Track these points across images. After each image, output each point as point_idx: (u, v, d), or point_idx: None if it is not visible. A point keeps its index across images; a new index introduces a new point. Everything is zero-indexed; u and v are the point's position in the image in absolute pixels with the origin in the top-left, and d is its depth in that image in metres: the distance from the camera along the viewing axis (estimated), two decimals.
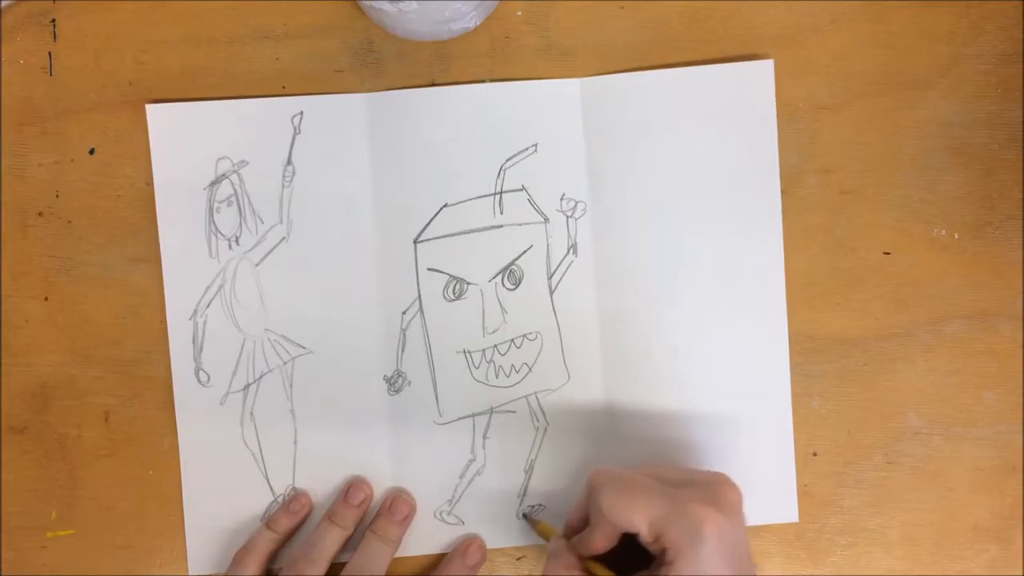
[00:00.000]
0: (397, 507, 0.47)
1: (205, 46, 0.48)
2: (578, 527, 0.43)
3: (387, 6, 0.43)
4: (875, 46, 0.48)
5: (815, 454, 0.49)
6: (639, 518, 0.39)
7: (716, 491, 0.39)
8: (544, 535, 0.46)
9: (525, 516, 0.48)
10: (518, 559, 0.49)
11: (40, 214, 0.48)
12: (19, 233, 0.48)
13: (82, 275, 0.48)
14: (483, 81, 0.48)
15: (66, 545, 0.48)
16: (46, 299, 0.48)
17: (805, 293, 0.48)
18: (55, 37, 0.48)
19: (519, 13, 0.48)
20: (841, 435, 0.49)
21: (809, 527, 0.49)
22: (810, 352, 0.48)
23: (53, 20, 0.48)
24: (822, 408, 0.48)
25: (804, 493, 0.48)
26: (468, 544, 0.48)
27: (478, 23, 0.47)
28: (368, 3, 0.44)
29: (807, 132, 0.48)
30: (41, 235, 0.48)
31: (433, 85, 0.48)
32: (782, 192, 0.48)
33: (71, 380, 0.48)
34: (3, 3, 0.47)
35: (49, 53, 0.48)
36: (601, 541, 0.41)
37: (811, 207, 0.48)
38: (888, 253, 0.48)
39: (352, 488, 0.47)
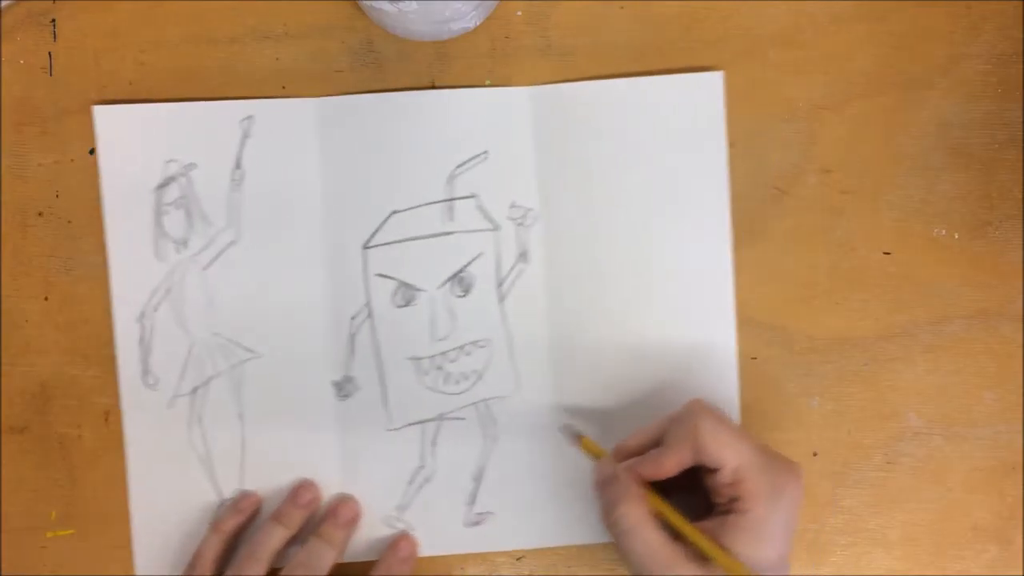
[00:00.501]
0: (341, 511, 0.47)
1: (205, 46, 0.48)
2: (634, 452, 0.43)
3: (387, 6, 0.43)
4: (875, 46, 0.48)
5: (815, 454, 0.49)
6: (730, 455, 0.40)
7: (795, 469, 0.41)
8: (591, 452, 0.45)
9: (566, 429, 0.47)
10: (518, 559, 0.49)
11: (40, 214, 0.48)
12: (19, 233, 0.48)
13: (82, 275, 0.48)
14: (431, 84, 0.48)
15: (66, 545, 0.48)
16: (46, 299, 0.48)
17: (805, 293, 0.48)
18: (55, 37, 0.48)
19: (519, 13, 0.48)
20: (841, 435, 0.49)
21: (809, 527, 0.49)
22: (810, 352, 0.48)
23: (53, 20, 0.48)
24: (822, 408, 0.48)
25: (804, 493, 0.48)
26: (398, 539, 0.48)
27: (478, 23, 0.47)
28: (368, 3, 0.44)
29: (807, 132, 0.48)
30: (41, 235, 0.48)
31: (433, 87, 0.48)
32: (782, 192, 0.48)
33: (71, 380, 0.48)
34: (3, 3, 0.47)
35: (49, 53, 0.48)
36: (672, 465, 0.42)
37: (811, 207, 0.48)
38: (888, 253, 0.48)
39: (299, 489, 0.47)
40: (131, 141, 0.47)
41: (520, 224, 0.48)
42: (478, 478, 0.48)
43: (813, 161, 0.48)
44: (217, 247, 0.48)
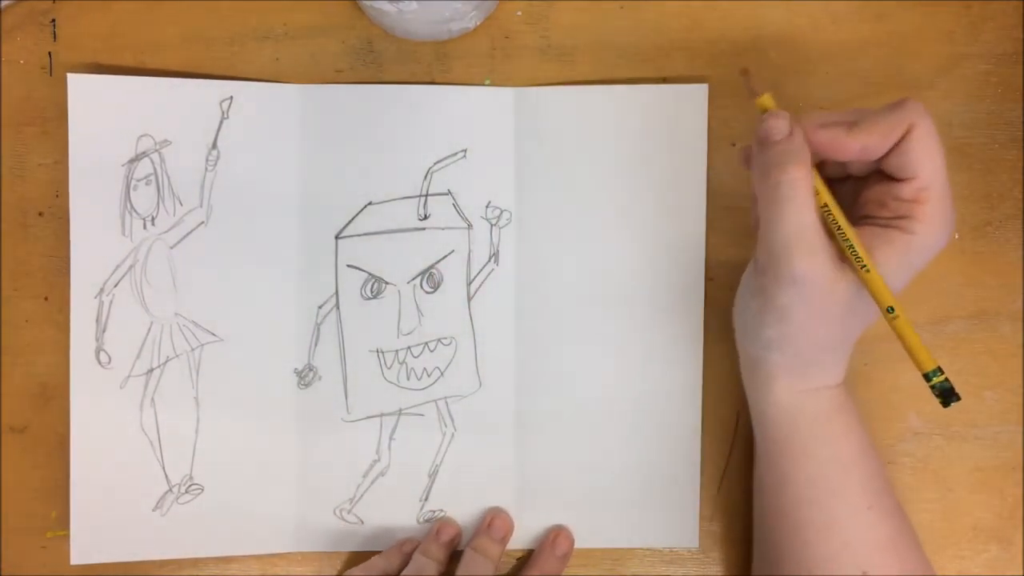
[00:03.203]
0: (496, 525, 0.47)
1: (205, 46, 0.48)
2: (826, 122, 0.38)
3: (387, 6, 0.43)
4: (875, 46, 0.48)
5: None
6: (929, 169, 0.37)
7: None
8: (763, 103, 0.39)
9: (746, 75, 0.40)
10: (519, 559, 0.49)
11: (40, 214, 0.48)
12: (19, 233, 0.48)
13: None
14: (430, 82, 0.48)
15: (66, 545, 0.48)
16: (46, 299, 0.48)
17: None
18: (55, 37, 0.48)
19: (519, 13, 0.48)
20: None
21: None
22: None
23: (53, 20, 0.48)
24: None
25: None
26: (556, 535, 0.47)
27: (478, 23, 0.47)
28: (368, 3, 0.44)
29: None
30: (41, 235, 0.48)
31: (433, 83, 0.48)
32: None
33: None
34: (3, 3, 0.47)
35: (49, 53, 0.48)
36: (857, 146, 0.37)
37: None
38: None
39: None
40: (104, 112, 0.46)
41: (494, 224, 0.48)
42: (433, 475, 0.48)
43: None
44: (186, 227, 0.47)
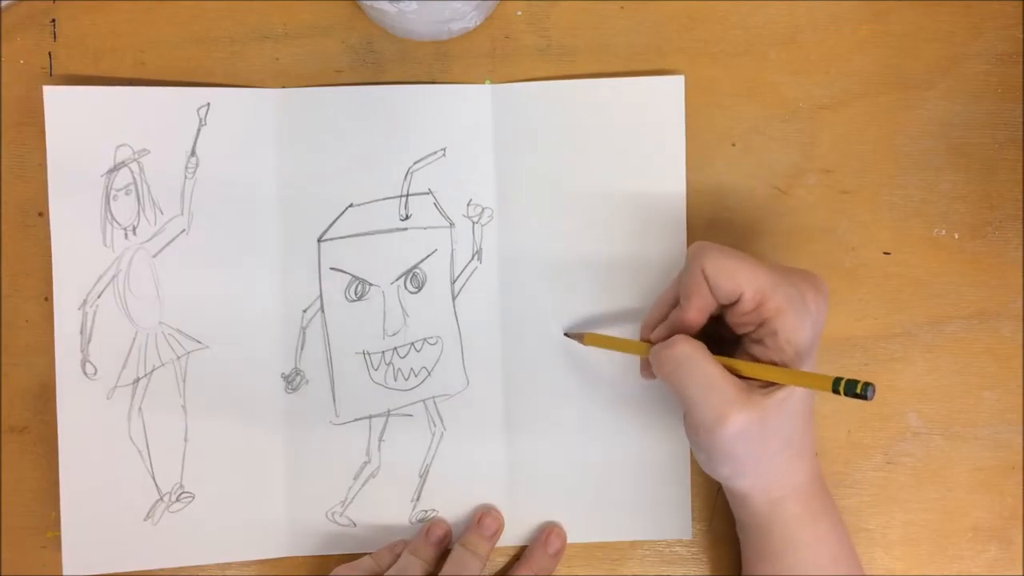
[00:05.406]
0: (486, 522, 0.47)
1: (205, 46, 0.48)
2: (660, 322, 0.43)
3: (387, 6, 0.43)
4: (875, 46, 0.48)
5: (815, 454, 0.48)
6: (745, 283, 0.39)
7: (814, 277, 0.41)
8: (599, 345, 0.46)
9: (569, 334, 0.47)
10: (512, 556, 0.49)
11: (40, 214, 0.48)
12: (19, 233, 0.48)
13: None
14: (430, 82, 0.48)
15: None
16: (46, 299, 0.48)
17: None
18: (55, 37, 0.48)
19: (519, 13, 0.48)
20: (841, 435, 0.49)
21: None
22: None
23: (53, 20, 0.48)
24: (822, 408, 0.48)
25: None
26: (548, 533, 0.47)
27: (478, 23, 0.47)
28: (368, 3, 0.44)
29: (807, 132, 0.48)
30: (41, 235, 0.48)
31: (433, 83, 0.48)
32: (782, 192, 0.48)
33: None
34: (3, 3, 0.47)
35: (49, 53, 0.48)
36: (695, 315, 0.41)
37: (811, 207, 0.48)
38: (888, 253, 0.48)
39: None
40: (82, 124, 0.46)
41: (476, 222, 0.48)
42: (424, 475, 0.48)
43: (813, 161, 0.48)
44: (168, 235, 0.47)
